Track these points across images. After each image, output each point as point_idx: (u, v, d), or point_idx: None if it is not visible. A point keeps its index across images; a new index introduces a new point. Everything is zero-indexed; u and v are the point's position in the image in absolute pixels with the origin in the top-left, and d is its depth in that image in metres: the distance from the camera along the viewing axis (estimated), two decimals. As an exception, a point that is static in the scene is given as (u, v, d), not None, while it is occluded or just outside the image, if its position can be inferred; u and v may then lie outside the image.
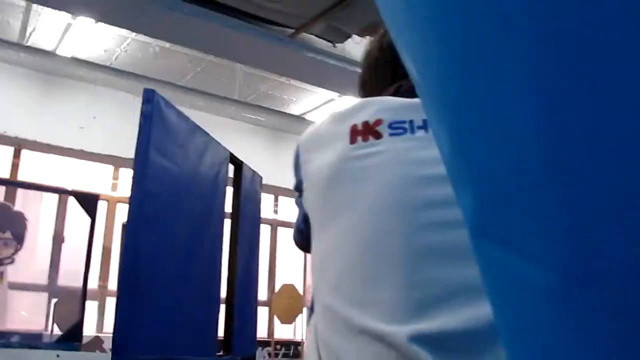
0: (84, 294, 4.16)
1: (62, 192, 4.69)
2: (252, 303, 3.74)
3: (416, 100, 0.92)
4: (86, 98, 6.41)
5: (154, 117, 2.50)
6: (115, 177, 7.15)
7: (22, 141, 6.17)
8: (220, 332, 3.26)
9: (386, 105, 0.94)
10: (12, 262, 4.24)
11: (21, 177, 6.24)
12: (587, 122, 0.30)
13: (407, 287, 0.77)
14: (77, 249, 4.57)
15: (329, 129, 0.96)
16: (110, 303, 6.21)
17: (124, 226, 5.46)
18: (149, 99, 2.52)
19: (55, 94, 6.30)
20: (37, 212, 4.67)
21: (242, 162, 3.68)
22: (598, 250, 0.29)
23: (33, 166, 6.38)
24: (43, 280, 4.52)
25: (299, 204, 1.00)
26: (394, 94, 0.98)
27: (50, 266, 4.52)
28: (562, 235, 0.30)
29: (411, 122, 0.91)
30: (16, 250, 4.27)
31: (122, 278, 2.26)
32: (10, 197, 4.68)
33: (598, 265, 0.29)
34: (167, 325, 2.42)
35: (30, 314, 4.36)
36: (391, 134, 0.90)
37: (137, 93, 6.47)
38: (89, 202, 4.40)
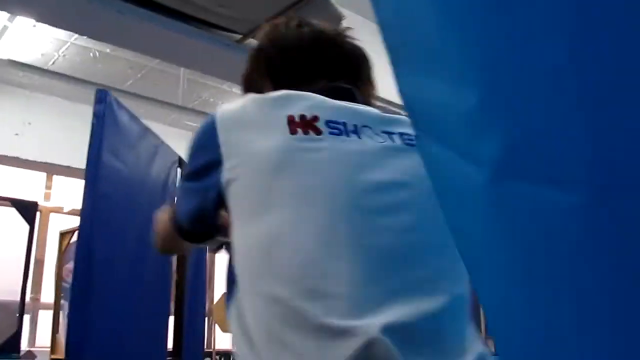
0: (22, 301, 3.99)
1: (1, 199, 4.50)
2: (200, 313, 3.65)
3: (346, 103, 0.98)
4: (21, 103, 6.16)
5: (107, 118, 2.41)
6: (49, 187, 6.89)
7: (-47, 148, 5.88)
8: (169, 344, 3.18)
9: (320, 103, 0.95)
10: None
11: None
12: (617, 54, 0.33)
13: (366, 282, 0.80)
14: (10, 260, 4.40)
15: (258, 113, 0.94)
16: (44, 316, 5.96)
17: (62, 234, 5.27)
18: (101, 99, 2.43)
19: (-11, 98, 6.04)
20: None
21: (190, 167, 3.60)
22: (621, 170, 0.33)
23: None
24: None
25: (212, 184, 0.94)
26: (319, 92, 0.98)
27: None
28: (589, 158, 0.34)
29: (344, 124, 0.93)
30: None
31: (75, 284, 2.15)
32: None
33: (623, 181, 0.33)
34: (119, 335, 2.32)
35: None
36: (330, 133, 0.91)
37: (74, 99, 6.32)
38: (27, 210, 4.22)
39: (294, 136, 0.89)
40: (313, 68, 1.07)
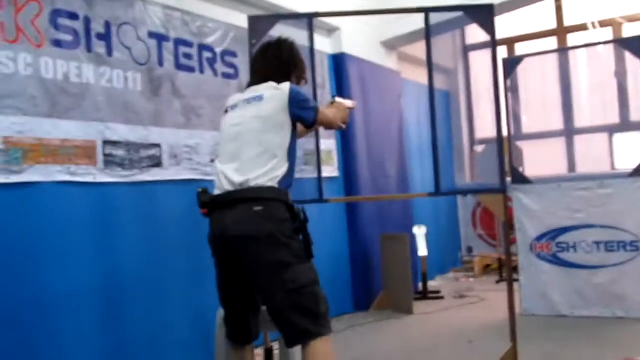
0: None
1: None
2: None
3: (241, 94, 2.72)
4: None
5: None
6: None
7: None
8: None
9: (232, 98, 2.76)
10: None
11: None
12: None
13: (226, 154, 2.59)
14: None
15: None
16: None
17: None
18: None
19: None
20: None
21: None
22: None
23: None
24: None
25: None
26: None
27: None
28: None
29: (234, 105, 2.67)
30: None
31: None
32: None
33: None
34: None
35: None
36: (227, 111, 2.70)
37: None
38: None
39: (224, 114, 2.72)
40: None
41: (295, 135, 2.60)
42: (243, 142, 2.53)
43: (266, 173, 2.46)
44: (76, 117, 3.32)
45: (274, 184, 2.46)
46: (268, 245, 2.40)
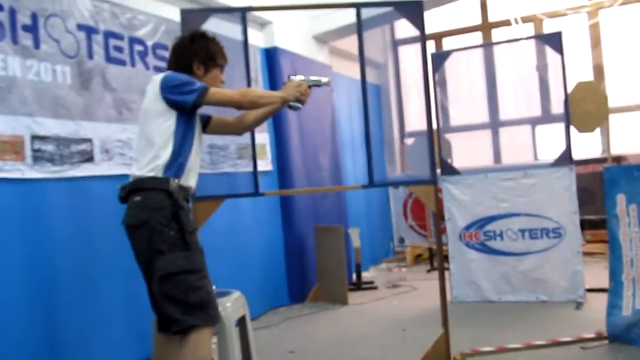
0: None
1: None
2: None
3: None
4: None
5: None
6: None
7: None
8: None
9: None
10: None
11: None
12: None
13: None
14: None
15: None
16: None
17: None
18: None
19: None
20: None
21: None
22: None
23: None
24: None
25: None
26: None
27: None
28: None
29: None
30: None
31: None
32: None
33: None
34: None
35: None
36: None
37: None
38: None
39: None
40: None
41: (186, 121, 2.61)
42: (136, 138, 2.71)
43: (147, 163, 2.54)
44: (2, 112, 3.22)
45: (155, 173, 2.52)
46: (144, 233, 2.47)
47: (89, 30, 3.83)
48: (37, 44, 3.45)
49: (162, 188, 2.49)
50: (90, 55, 3.81)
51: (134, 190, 2.54)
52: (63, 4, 3.66)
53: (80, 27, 3.77)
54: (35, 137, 3.39)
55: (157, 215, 2.46)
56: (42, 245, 3.38)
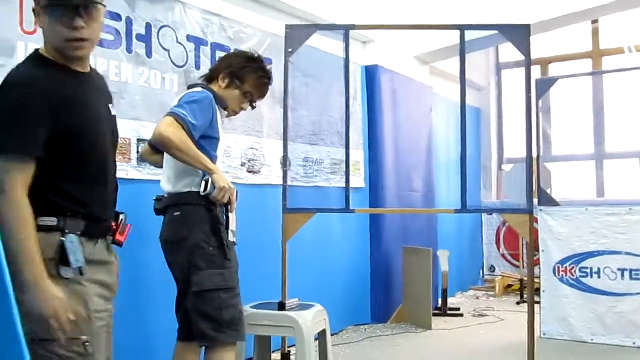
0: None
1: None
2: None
3: None
4: None
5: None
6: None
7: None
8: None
9: None
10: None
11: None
12: None
13: None
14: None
15: None
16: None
17: None
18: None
19: None
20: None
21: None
22: None
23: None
24: None
25: None
26: None
27: None
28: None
29: None
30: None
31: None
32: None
33: None
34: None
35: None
36: None
37: None
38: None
39: None
40: None
41: (196, 142, 2.51)
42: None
43: (181, 178, 2.59)
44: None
45: (191, 188, 2.54)
46: (184, 249, 2.50)
47: (198, 42, 3.99)
48: (149, 53, 3.63)
49: (201, 203, 2.51)
50: (197, 66, 3.97)
51: (172, 205, 2.58)
52: (176, 15, 3.84)
53: (190, 38, 3.94)
54: (140, 140, 3.56)
55: (197, 231, 2.49)
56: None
